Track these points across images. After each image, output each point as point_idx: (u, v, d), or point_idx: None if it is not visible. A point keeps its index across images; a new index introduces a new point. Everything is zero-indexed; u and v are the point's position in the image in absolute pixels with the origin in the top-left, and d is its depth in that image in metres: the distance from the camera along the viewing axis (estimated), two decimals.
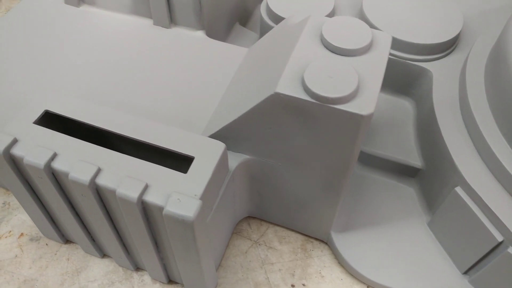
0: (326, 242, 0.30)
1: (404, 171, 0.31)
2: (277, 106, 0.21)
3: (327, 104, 0.20)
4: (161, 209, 0.21)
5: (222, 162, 0.23)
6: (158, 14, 0.32)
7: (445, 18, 0.33)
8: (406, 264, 0.29)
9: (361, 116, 0.20)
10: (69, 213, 0.25)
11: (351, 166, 0.23)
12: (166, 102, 0.28)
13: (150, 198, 0.21)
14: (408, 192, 0.32)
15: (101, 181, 0.21)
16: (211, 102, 0.28)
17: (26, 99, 0.29)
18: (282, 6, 0.33)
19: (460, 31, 0.32)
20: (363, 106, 0.20)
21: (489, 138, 0.26)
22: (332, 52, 0.22)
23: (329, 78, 0.21)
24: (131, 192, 0.21)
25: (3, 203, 0.32)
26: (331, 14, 0.33)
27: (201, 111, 0.28)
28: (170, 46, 0.32)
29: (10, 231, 0.30)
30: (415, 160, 0.31)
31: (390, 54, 0.32)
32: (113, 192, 0.21)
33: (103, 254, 0.30)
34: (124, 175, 0.22)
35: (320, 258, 0.30)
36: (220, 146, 0.23)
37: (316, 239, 0.31)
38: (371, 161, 0.32)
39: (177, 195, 0.21)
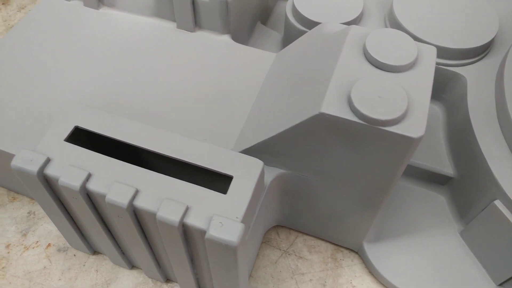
0: (357, 251, 0.30)
1: (434, 179, 0.31)
2: (320, 125, 0.21)
3: (376, 126, 0.19)
4: (202, 232, 0.20)
5: (261, 180, 0.23)
6: (182, 17, 0.31)
7: (480, 20, 0.31)
8: (438, 273, 0.28)
9: (412, 139, 0.19)
10: (101, 230, 0.25)
11: (394, 183, 0.23)
12: (194, 113, 0.27)
13: (191, 221, 0.20)
14: (438, 200, 0.31)
15: (140, 203, 0.21)
16: (240, 113, 0.27)
17: (49, 108, 0.28)
18: (309, 8, 0.32)
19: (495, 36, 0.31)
20: (413, 128, 0.19)
21: None
22: (377, 67, 0.21)
23: (378, 98, 0.20)
24: (172, 215, 0.20)
25: (28, 213, 0.31)
26: (359, 17, 0.32)
27: (230, 123, 0.27)
28: (195, 51, 0.31)
29: (37, 241, 0.30)
30: (446, 168, 0.30)
31: None
32: (152, 214, 0.21)
33: (132, 266, 0.29)
34: (163, 197, 0.21)
35: (351, 268, 0.30)
36: (258, 164, 0.22)
37: (346, 248, 0.31)
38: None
39: (218, 218, 0.20)
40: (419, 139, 0.19)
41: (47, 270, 0.29)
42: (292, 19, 0.33)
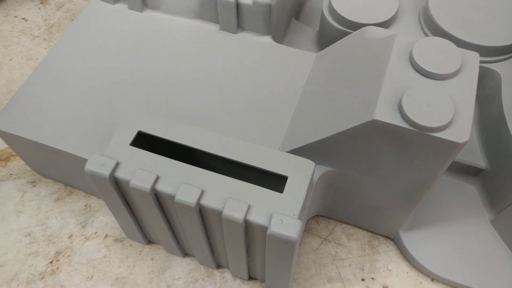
0: (392, 238, 0.32)
1: (466, 171, 0.33)
2: (372, 131, 0.22)
3: (426, 132, 0.21)
4: (264, 228, 0.23)
5: (312, 179, 0.25)
6: (225, 20, 0.32)
7: None
8: (470, 259, 0.30)
9: (458, 144, 0.21)
10: (163, 224, 0.27)
11: (435, 181, 0.25)
12: (241, 115, 0.29)
13: (253, 218, 0.23)
14: (470, 190, 0.33)
15: (206, 202, 0.23)
16: (285, 114, 0.29)
17: (104, 114, 0.29)
18: (345, 6, 0.33)
19: None
20: (459, 133, 0.21)
21: None
22: (424, 76, 0.23)
23: (427, 107, 0.21)
24: (236, 213, 0.22)
25: (85, 206, 0.33)
26: (395, 16, 0.33)
27: (276, 123, 0.29)
28: (238, 52, 0.32)
29: (96, 232, 0.32)
30: (478, 160, 0.32)
31: None
32: (217, 212, 0.23)
33: (185, 254, 0.32)
34: (227, 197, 0.23)
35: (387, 254, 0.32)
36: (310, 165, 0.24)
37: (382, 235, 0.33)
38: None
39: (278, 215, 0.22)
40: (464, 144, 0.21)
41: (107, 259, 0.31)
42: (328, 17, 0.34)
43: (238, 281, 0.31)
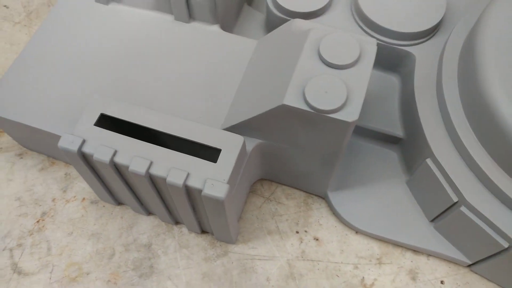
0: (324, 197, 0.38)
1: (388, 139, 0.38)
2: (284, 112, 0.28)
3: (323, 114, 0.27)
4: (200, 191, 0.28)
5: (242, 150, 0.30)
6: (178, 11, 0.37)
7: (428, 4, 0.37)
8: (387, 215, 0.36)
9: (348, 123, 0.27)
10: (125, 189, 0.33)
11: (342, 151, 0.30)
12: (190, 97, 0.34)
13: (191, 183, 0.28)
14: (391, 156, 0.39)
15: (154, 171, 0.29)
16: (228, 96, 0.34)
17: (76, 96, 0.34)
18: None
19: (442, 17, 0.37)
20: (349, 114, 0.27)
21: (455, 119, 0.32)
22: (328, 66, 0.28)
23: (325, 93, 0.27)
24: (177, 179, 0.28)
25: (65, 174, 0.39)
26: (329, 4, 0.38)
27: (220, 104, 0.34)
28: (189, 41, 0.37)
29: (75, 196, 0.38)
30: (397, 130, 0.37)
31: (381, 40, 0.37)
32: (163, 179, 0.29)
33: (149, 213, 0.38)
34: (171, 167, 0.29)
35: (319, 210, 0.38)
36: (239, 139, 0.30)
37: (316, 195, 0.39)
38: (361, 131, 0.38)
39: (210, 181, 0.28)
40: (353, 123, 0.27)
41: (84, 218, 0.38)
42: (270, 4, 0.39)
43: (193, 234, 0.37)
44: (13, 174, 0.39)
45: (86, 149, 0.29)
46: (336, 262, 0.36)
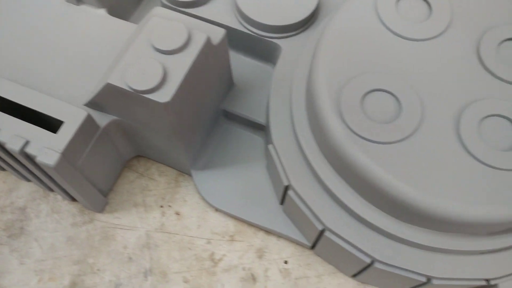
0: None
1: (255, 126, 0.40)
2: (113, 91, 0.30)
3: (139, 94, 0.29)
4: (35, 157, 0.31)
5: (87, 124, 0.33)
6: None
7: None
8: (244, 196, 0.39)
9: (160, 103, 0.29)
10: None
11: (179, 132, 0.33)
12: (61, 74, 0.36)
13: (28, 150, 0.31)
14: (258, 142, 0.41)
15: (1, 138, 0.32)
16: (96, 75, 0.36)
17: None
18: None
19: (314, 12, 0.39)
20: (162, 95, 0.29)
21: (296, 113, 0.34)
22: (157, 51, 0.30)
23: (143, 75, 0.29)
24: (15, 146, 0.31)
25: None
26: None
27: (89, 82, 0.36)
28: (74, 22, 0.39)
29: None
30: (261, 118, 0.40)
31: (252, 32, 0.39)
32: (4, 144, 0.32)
33: (28, 180, 0.41)
34: (14, 134, 0.32)
35: (187, 188, 0.41)
36: (82, 114, 0.32)
37: (187, 174, 0.41)
38: (232, 117, 0.41)
39: (45, 149, 0.31)
40: (166, 104, 0.29)
41: None
42: None
43: (66, 202, 0.40)
44: None
45: None
46: (191, 236, 0.39)
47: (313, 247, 0.37)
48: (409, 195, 0.28)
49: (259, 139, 0.41)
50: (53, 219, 0.40)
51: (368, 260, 0.32)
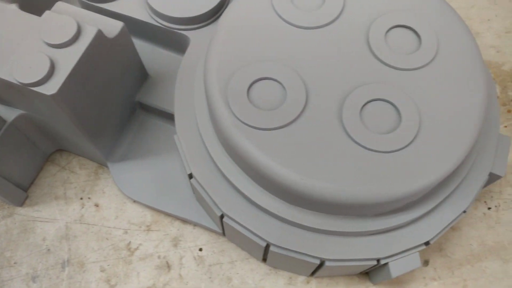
0: None
1: (171, 117, 0.41)
2: (4, 85, 0.31)
3: (26, 87, 0.30)
4: None
5: None
6: None
7: None
8: (160, 187, 0.40)
9: (47, 96, 0.30)
10: None
11: (79, 127, 0.33)
12: None
13: None
14: (174, 132, 0.42)
15: None
16: None
17: None
18: None
19: (219, 3, 0.39)
20: (48, 88, 0.30)
21: (197, 103, 0.35)
22: (47, 45, 0.31)
23: (29, 68, 0.30)
24: None
25: None
26: None
27: None
28: None
29: None
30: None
31: (162, 24, 0.40)
32: None
33: None
34: None
35: (106, 180, 0.42)
36: None
37: (105, 166, 0.42)
38: (150, 109, 0.41)
39: None
40: (53, 96, 0.30)
41: None
42: None
43: None
44: None
45: None
46: (109, 227, 0.40)
47: (224, 234, 0.38)
48: (289, 178, 0.29)
49: (174, 130, 0.42)
50: None
51: (263, 244, 0.33)
